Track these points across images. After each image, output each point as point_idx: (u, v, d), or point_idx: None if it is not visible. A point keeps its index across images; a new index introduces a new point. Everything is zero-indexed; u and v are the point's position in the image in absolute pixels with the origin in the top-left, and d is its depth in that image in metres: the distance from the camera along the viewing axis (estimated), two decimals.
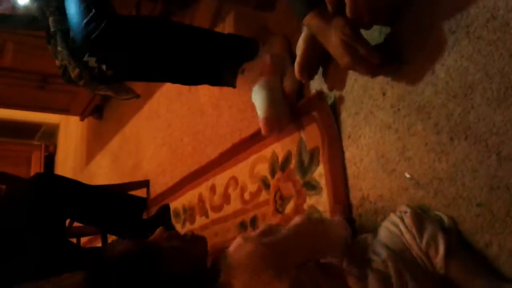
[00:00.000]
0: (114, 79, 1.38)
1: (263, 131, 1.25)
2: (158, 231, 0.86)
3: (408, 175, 0.94)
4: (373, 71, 0.99)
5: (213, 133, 1.77)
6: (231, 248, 0.74)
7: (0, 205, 1.77)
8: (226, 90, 1.68)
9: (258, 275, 0.71)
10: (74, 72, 1.33)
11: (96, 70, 1.32)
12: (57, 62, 1.36)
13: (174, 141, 2.09)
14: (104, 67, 1.31)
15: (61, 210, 1.70)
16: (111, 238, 2.18)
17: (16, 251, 1.52)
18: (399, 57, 0.98)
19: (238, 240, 0.75)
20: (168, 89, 2.20)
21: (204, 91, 1.85)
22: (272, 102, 1.22)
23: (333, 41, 0.94)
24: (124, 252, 0.77)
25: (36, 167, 4.02)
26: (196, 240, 0.88)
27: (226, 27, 1.70)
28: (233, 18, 1.69)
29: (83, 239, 2.33)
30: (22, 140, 4.44)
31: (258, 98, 1.24)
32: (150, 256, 0.76)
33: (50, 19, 1.30)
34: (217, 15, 1.79)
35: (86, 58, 1.31)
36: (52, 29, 1.32)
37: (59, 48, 1.31)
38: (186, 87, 1.99)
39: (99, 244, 2.16)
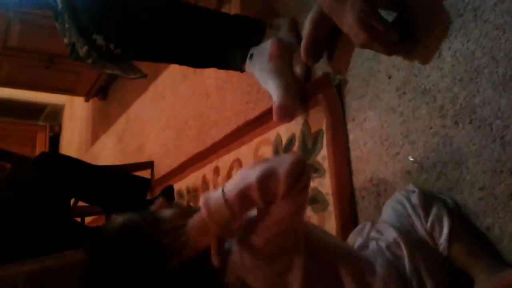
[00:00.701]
0: (121, 58, 1.38)
1: (275, 118, 1.22)
2: (159, 202, 0.81)
3: (412, 159, 0.94)
4: (391, 49, 0.96)
5: (217, 115, 1.77)
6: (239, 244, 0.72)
7: (5, 184, 1.79)
8: (232, 73, 1.68)
9: (272, 266, 0.71)
10: (82, 50, 1.33)
11: (104, 48, 1.32)
12: (65, 40, 1.35)
13: (178, 123, 2.10)
14: (111, 45, 1.31)
15: (65, 189, 1.72)
16: None
17: (22, 229, 1.54)
18: (412, 37, 0.97)
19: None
20: (173, 71, 2.19)
21: (210, 73, 1.85)
22: (286, 88, 1.21)
23: (349, 19, 0.92)
24: (125, 223, 0.76)
25: (41, 147, 4.04)
26: None
27: (233, 8, 1.69)
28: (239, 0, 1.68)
29: (87, 219, 2.35)
30: (27, 121, 4.46)
31: (271, 84, 1.23)
32: (153, 227, 0.73)
33: None
34: None
35: (94, 36, 1.31)
36: (59, 6, 1.32)
37: (67, 26, 1.30)
38: (191, 69, 1.99)
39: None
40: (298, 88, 1.24)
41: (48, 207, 1.64)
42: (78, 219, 2.12)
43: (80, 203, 2.04)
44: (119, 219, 0.75)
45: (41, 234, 1.51)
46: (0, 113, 4.31)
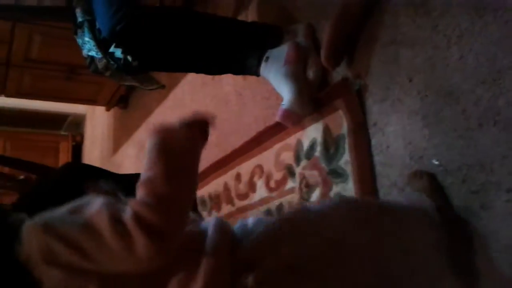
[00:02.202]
0: (139, 69, 1.39)
1: (278, 119, 1.26)
2: None
3: (436, 162, 0.93)
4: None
5: (237, 122, 1.78)
6: None
7: (32, 194, 1.82)
8: (250, 79, 1.68)
9: None
10: (100, 63, 1.35)
11: (122, 60, 1.33)
12: (84, 53, 1.38)
13: None
14: (129, 57, 1.33)
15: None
16: None
17: None
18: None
19: None
20: (192, 78, 2.21)
21: (228, 80, 1.85)
22: (298, 94, 1.22)
23: None
24: None
25: (64, 157, 4.09)
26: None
27: (249, 15, 1.70)
28: (256, 6, 1.68)
29: None
30: (49, 131, 4.53)
31: (284, 88, 1.23)
32: None
33: (77, 10, 1.32)
34: (240, 3, 1.79)
35: (112, 49, 1.33)
36: (79, 20, 1.34)
37: (86, 39, 1.33)
38: (210, 77, 2.00)
39: None
40: (310, 94, 1.25)
41: None
42: None
43: None
44: None
45: None
46: (23, 124, 4.39)
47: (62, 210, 0.61)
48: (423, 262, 0.75)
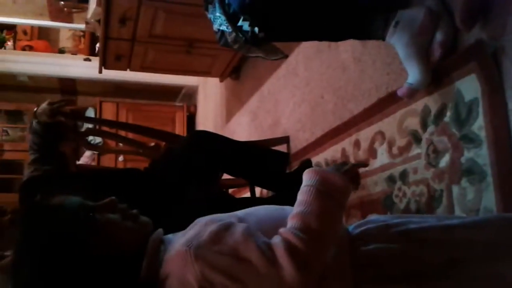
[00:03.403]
0: (265, 40, 1.45)
1: (400, 93, 1.28)
2: (108, 199, 0.76)
3: None
4: None
5: (355, 88, 1.79)
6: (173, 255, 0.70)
7: (164, 159, 2.00)
8: (369, 44, 1.68)
9: None
10: (230, 37, 1.42)
11: (249, 33, 1.40)
12: (215, 27, 1.46)
13: (313, 98, 2.15)
14: (256, 30, 1.39)
15: (215, 163, 1.88)
16: (258, 189, 2.35)
17: (179, 200, 1.72)
18: None
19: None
20: (306, 47, 2.23)
21: (345, 47, 1.86)
22: (427, 73, 1.23)
23: None
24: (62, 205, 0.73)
25: (180, 126, 4.37)
26: (141, 221, 0.78)
27: None
28: None
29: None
30: (166, 102, 4.87)
31: (415, 65, 1.23)
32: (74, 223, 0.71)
33: None
34: None
35: (240, 22, 1.40)
36: None
37: (217, 14, 1.41)
38: (326, 44, 2.02)
39: (247, 194, 2.34)
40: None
41: (200, 179, 1.81)
42: None
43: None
44: (59, 198, 0.75)
45: (195, 203, 1.67)
46: (145, 96, 4.75)
47: (204, 238, 0.67)
48: None
